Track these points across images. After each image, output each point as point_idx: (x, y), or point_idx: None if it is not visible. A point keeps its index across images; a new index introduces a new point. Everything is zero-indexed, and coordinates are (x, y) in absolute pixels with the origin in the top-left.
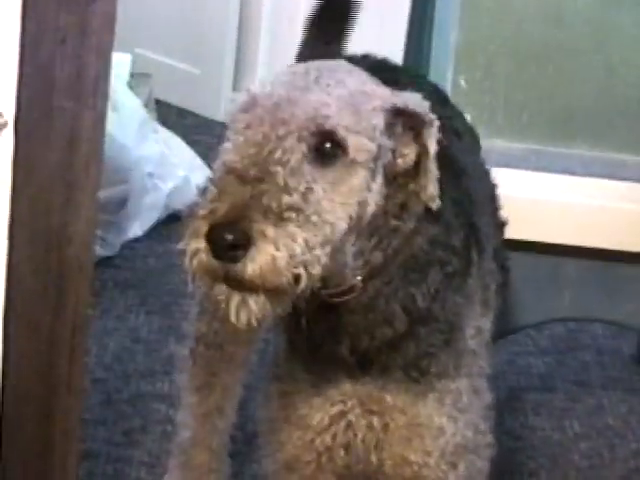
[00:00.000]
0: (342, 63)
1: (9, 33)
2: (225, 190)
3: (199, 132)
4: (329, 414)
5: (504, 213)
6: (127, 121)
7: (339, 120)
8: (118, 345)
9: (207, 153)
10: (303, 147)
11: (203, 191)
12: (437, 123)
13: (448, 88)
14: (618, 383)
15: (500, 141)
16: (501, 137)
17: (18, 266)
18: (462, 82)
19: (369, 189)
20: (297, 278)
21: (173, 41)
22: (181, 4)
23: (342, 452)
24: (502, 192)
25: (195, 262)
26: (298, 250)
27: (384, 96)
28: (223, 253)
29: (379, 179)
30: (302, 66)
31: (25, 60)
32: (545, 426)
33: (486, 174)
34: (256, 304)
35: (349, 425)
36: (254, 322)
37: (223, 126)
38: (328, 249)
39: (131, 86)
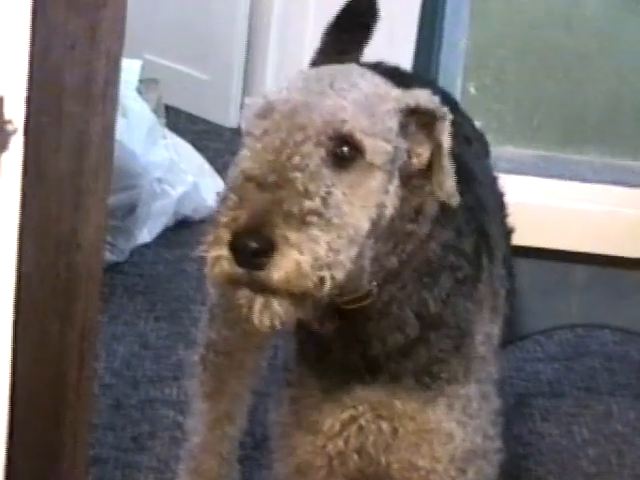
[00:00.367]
0: (354, 66)
1: (19, 39)
2: (245, 197)
3: (208, 138)
4: (340, 419)
5: (514, 219)
6: (136, 127)
7: (355, 123)
8: (127, 351)
9: (216, 159)
10: (321, 152)
11: (223, 199)
12: (450, 116)
13: (458, 95)
14: (626, 389)
15: (510, 147)
16: (511, 144)
17: (27, 271)
18: (472, 89)
19: (386, 192)
20: (322, 281)
21: (182, 47)
22: (190, 10)
23: (355, 456)
24: (512, 198)
25: (217, 270)
26: (322, 253)
27: (397, 97)
28: (247, 261)
29: (395, 181)
30: (314, 71)
31: (35, 66)
32: (553, 432)
33: (495, 181)
34: (280, 307)
35: (361, 430)
36: (277, 325)
37: (235, 132)
38: (351, 252)
39: (140, 92)
